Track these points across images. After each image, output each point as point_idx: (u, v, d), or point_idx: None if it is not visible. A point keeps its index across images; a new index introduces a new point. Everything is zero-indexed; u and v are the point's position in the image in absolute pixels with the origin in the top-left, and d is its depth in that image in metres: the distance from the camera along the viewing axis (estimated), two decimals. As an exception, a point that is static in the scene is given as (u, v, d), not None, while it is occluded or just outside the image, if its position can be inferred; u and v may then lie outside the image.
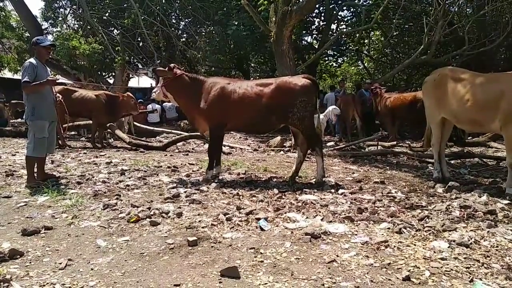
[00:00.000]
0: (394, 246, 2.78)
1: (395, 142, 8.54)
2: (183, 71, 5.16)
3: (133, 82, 17.00)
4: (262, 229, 3.12)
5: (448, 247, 2.76)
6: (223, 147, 8.38)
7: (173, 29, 15.50)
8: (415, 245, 2.82)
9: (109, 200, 3.97)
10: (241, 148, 8.92)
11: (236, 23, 13.99)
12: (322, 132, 9.14)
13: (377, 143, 8.47)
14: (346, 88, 14.61)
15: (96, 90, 9.90)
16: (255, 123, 4.95)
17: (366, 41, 18.87)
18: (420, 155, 7.07)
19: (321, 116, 8.95)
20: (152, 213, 3.51)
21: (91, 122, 8.99)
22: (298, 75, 5.18)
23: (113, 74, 15.46)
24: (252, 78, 21.18)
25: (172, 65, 5.17)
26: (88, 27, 13.20)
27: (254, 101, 4.82)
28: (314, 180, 4.99)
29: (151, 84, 19.48)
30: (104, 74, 16.18)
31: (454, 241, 2.84)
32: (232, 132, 10.84)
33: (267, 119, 4.87)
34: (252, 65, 22.03)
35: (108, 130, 9.63)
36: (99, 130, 8.96)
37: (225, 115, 4.91)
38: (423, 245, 2.81)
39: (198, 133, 6.84)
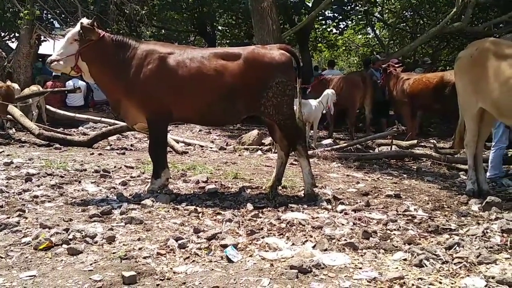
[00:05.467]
0: (413, 285, 2.82)
1: (415, 141, 8.69)
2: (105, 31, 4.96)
3: (46, 47, 16.47)
4: (229, 261, 3.11)
5: (486, 286, 2.82)
6: (176, 143, 8.40)
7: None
8: (440, 283, 2.87)
9: (8, 217, 3.89)
10: (201, 146, 8.90)
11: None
12: (316, 124, 9.25)
13: (391, 141, 8.60)
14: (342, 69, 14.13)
15: None
16: (212, 112, 4.94)
17: (378, -1, 19.18)
18: (449, 160, 7.22)
19: (314, 102, 9.09)
20: (71, 236, 3.46)
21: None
22: (273, 45, 5.23)
23: (17, 35, 15.05)
24: (218, 47, 21.12)
25: (86, 20, 4.86)
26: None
27: (212, 81, 4.79)
28: (303, 191, 5.04)
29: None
30: (3, 35, 15.76)
31: (493, 277, 2.90)
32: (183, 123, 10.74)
33: (230, 106, 4.88)
34: (220, 28, 21.94)
35: (8, 116, 9.40)
36: None
37: (168, 99, 4.88)
38: (452, 283, 2.87)
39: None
